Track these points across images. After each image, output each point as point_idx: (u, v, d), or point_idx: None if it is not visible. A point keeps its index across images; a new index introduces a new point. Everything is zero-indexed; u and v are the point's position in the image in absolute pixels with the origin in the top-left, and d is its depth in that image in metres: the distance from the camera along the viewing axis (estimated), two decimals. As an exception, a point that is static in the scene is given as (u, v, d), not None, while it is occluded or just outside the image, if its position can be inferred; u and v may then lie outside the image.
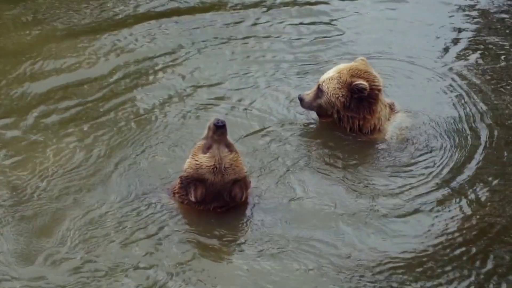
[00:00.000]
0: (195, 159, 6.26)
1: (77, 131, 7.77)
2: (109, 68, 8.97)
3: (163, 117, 8.01)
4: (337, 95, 7.27)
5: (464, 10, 10.40)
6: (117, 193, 6.84)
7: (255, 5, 10.36)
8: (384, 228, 6.53)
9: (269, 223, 6.50)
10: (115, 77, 8.79)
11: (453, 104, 8.28)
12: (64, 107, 8.25)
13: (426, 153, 7.43)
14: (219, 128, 6.16)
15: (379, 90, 7.25)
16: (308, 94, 7.54)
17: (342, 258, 6.17)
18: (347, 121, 7.39)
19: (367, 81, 7.18)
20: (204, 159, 6.21)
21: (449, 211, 6.77)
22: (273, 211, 6.63)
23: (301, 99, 7.57)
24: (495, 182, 7.07)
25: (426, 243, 6.41)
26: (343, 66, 7.36)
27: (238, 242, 6.36)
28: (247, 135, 7.61)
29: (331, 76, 7.32)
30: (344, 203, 6.78)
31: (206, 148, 6.22)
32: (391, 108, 7.57)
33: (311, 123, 7.91)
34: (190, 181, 6.28)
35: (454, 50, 9.45)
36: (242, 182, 6.31)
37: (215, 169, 6.18)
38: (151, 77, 8.82)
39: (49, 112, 8.15)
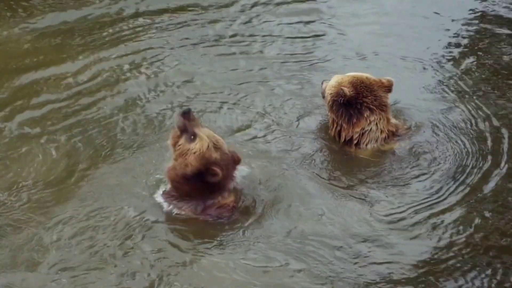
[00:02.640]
0: (187, 153, 6.39)
1: (47, 134, 7.55)
2: (81, 66, 8.73)
3: (143, 118, 7.82)
4: (329, 92, 7.40)
5: (465, 6, 10.29)
6: (91, 201, 6.68)
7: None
8: (376, 234, 6.45)
9: (261, 227, 6.49)
10: (88, 77, 8.53)
11: (457, 108, 8.04)
12: (31, 107, 7.98)
13: (434, 165, 7.23)
14: (187, 113, 6.44)
15: (370, 109, 7.27)
16: (327, 82, 7.62)
17: (332, 260, 6.15)
18: (330, 121, 7.50)
19: (357, 93, 7.25)
20: (198, 144, 6.36)
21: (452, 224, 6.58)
22: (265, 215, 6.60)
23: (321, 84, 7.71)
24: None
25: (427, 250, 6.32)
26: (357, 73, 7.46)
27: (226, 243, 6.34)
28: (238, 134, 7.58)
29: (340, 75, 7.47)
30: (339, 210, 6.70)
31: (191, 137, 6.39)
32: (394, 133, 7.48)
33: (302, 123, 7.85)
34: (201, 170, 6.37)
35: (455, 48, 9.28)
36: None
37: (213, 146, 6.38)
38: (131, 77, 8.58)
39: (15, 113, 7.86)
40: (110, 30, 9.40)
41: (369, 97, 7.25)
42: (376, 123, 7.30)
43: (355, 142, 7.30)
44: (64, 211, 6.52)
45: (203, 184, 6.38)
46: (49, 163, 7.09)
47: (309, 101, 8.01)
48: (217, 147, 6.37)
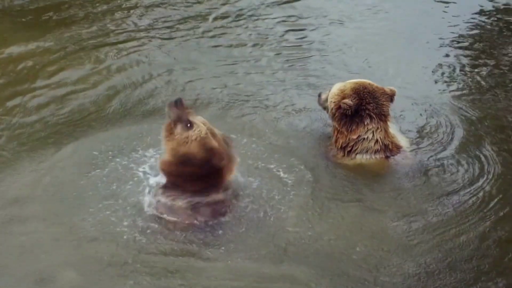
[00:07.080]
0: (187, 141, 6.31)
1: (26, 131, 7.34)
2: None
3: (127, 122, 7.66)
4: (332, 100, 7.34)
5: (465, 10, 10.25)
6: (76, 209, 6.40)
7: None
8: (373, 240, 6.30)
9: (254, 234, 6.30)
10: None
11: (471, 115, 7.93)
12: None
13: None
14: (179, 103, 6.39)
15: (370, 117, 7.21)
16: (326, 93, 7.55)
17: (331, 270, 5.97)
18: (332, 129, 7.45)
19: (360, 99, 7.18)
20: (197, 131, 6.31)
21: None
22: (259, 222, 6.41)
23: (318, 96, 7.70)
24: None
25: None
26: (361, 80, 7.36)
27: (228, 247, 6.17)
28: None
29: (342, 83, 7.39)
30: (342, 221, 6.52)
31: (187, 125, 6.34)
32: (386, 147, 7.33)
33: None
34: (204, 157, 6.29)
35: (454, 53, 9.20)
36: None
37: (210, 132, 6.36)
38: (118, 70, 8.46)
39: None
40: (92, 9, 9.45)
41: (372, 104, 7.18)
42: (373, 132, 7.22)
43: (348, 149, 7.22)
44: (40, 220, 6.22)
45: (201, 176, 6.28)
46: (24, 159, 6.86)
47: (306, 99, 8.02)
48: (213, 134, 6.37)
